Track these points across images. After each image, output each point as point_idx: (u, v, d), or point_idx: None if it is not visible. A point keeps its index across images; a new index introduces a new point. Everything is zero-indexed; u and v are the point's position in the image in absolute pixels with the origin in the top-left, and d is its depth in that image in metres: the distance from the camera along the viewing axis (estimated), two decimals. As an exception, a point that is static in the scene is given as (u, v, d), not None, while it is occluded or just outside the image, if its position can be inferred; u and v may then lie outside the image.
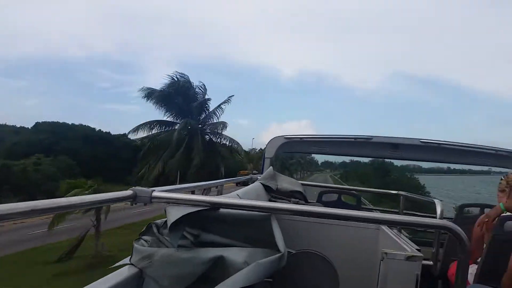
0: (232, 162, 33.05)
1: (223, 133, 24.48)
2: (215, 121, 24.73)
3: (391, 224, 2.28)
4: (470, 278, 2.31)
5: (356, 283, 1.97)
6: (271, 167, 3.33)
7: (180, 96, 23.34)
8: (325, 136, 3.96)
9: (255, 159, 47.48)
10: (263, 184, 2.87)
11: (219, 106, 24.33)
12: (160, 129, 23.95)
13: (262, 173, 3.34)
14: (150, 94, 23.12)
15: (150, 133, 23.91)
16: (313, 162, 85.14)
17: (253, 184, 2.87)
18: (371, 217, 1.36)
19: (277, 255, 1.19)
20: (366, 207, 5.37)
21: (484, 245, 2.31)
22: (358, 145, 3.81)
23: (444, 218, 3.12)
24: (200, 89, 24.27)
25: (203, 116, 24.41)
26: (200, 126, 24.41)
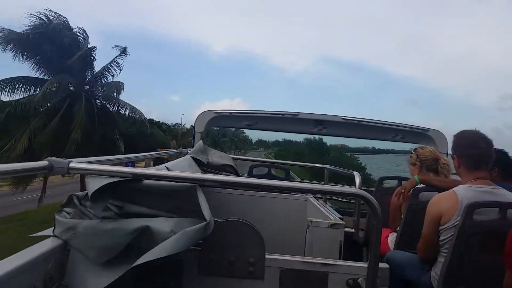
0: (145, 137, 27.20)
1: (119, 98, 18.53)
2: (110, 81, 18.62)
3: (313, 192, 2.47)
4: (391, 245, 2.51)
5: (285, 249, 1.99)
6: (201, 141, 3.36)
7: (53, 44, 16.69)
8: (254, 112, 4.02)
9: (179, 135, 41.77)
10: (193, 158, 2.85)
11: (113, 60, 18.17)
12: (27, 91, 17.21)
13: (192, 148, 3.34)
14: (8, 39, 16.18)
15: (13, 97, 17.08)
16: (247, 140, 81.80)
17: (183, 157, 2.87)
18: (294, 187, 1.49)
19: (203, 223, 1.20)
20: (294, 180, 5.90)
21: (402, 215, 2.47)
22: (286, 121, 3.93)
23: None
24: (79, 35, 17.48)
25: (89, 74, 18.08)
26: (87, 87, 18.19)
